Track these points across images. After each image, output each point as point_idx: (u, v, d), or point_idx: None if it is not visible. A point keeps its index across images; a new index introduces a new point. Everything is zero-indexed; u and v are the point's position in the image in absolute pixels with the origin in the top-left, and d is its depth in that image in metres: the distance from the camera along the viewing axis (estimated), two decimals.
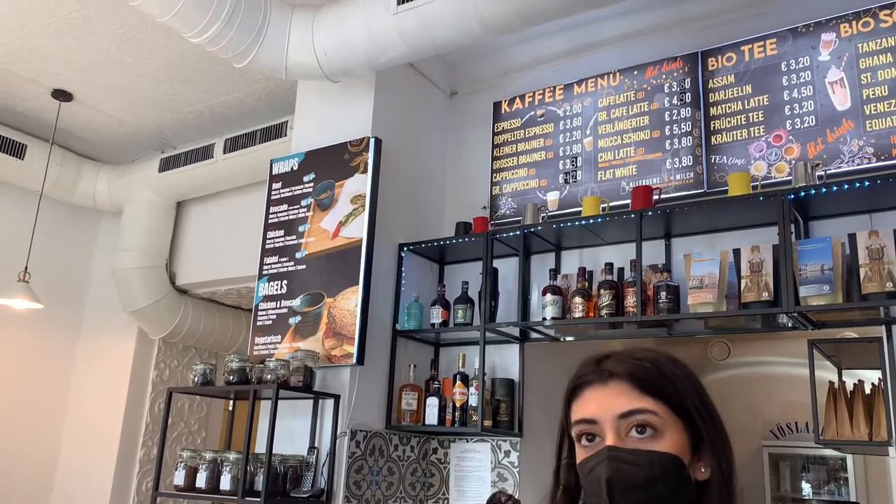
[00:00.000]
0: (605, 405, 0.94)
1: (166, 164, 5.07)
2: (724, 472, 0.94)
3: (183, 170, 4.97)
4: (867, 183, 2.60)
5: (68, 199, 5.33)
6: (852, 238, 2.66)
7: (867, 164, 2.86)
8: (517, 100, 3.90)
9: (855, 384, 2.98)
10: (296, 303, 3.56)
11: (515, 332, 3.43)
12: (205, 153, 4.87)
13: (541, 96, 3.82)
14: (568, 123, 3.70)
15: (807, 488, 5.75)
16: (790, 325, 2.88)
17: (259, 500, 2.96)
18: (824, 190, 2.69)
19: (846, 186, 2.64)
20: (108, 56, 4.18)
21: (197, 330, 5.32)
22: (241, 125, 4.84)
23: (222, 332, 5.48)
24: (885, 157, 2.83)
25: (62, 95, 4.61)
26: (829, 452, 5.33)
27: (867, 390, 2.95)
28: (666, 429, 0.92)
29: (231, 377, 3.24)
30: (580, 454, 0.98)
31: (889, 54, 2.91)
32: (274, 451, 3.04)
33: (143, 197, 5.17)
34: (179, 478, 3.25)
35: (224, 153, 4.76)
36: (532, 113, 3.83)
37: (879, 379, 2.79)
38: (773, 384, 5.76)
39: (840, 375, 3.18)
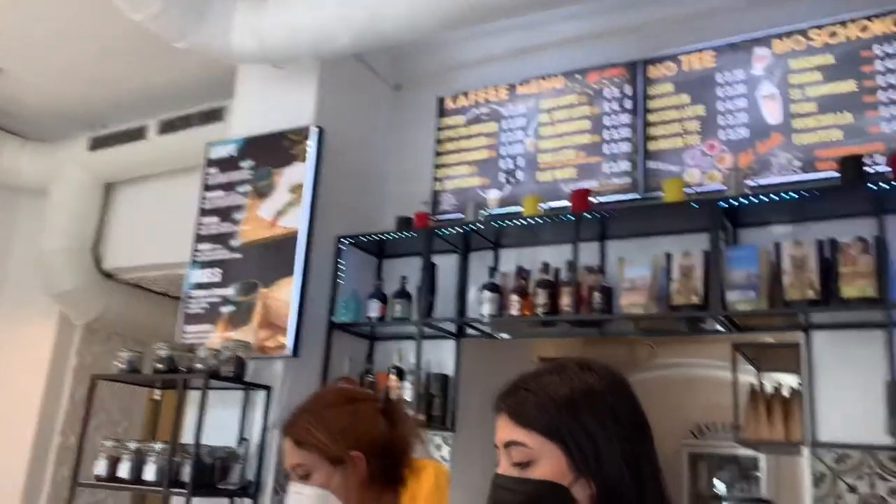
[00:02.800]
0: (498, 435, 1.04)
1: (96, 144, 4.87)
2: (606, 488, 0.96)
3: (114, 150, 4.78)
4: (793, 194, 2.72)
5: None
6: (778, 247, 2.77)
7: (794, 176, 2.99)
8: (462, 97, 3.91)
9: (774, 387, 3.12)
10: (229, 291, 3.49)
11: (452, 327, 3.45)
12: (137, 134, 4.70)
13: (485, 95, 3.84)
14: (511, 123, 3.73)
15: (721, 486, 5.96)
16: (716, 327, 2.99)
17: (185, 491, 2.89)
18: (754, 199, 2.80)
19: (774, 197, 2.75)
20: (40, 30, 3.99)
21: (123, 316, 5.15)
22: (177, 107, 4.70)
23: (149, 319, 5.31)
24: (810, 171, 2.96)
25: None
26: (742, 451, 5.54)
27: (785, 393, 3.09)
28: (540, 457, 0.98)
29: (159, 365, 3.16)
30: None
31: (818, 72, 3.05)
32: (202, 443, 2.97)
33: (70, 176, 4.96)
34: (100, 468, 3.16)
35: (158, 135, 4.62)
36: (476, 111, 3.85)
37: (799, 383, 2.92)
38: (695, 386, 5.95)
39: (760, 378, 3.32)
